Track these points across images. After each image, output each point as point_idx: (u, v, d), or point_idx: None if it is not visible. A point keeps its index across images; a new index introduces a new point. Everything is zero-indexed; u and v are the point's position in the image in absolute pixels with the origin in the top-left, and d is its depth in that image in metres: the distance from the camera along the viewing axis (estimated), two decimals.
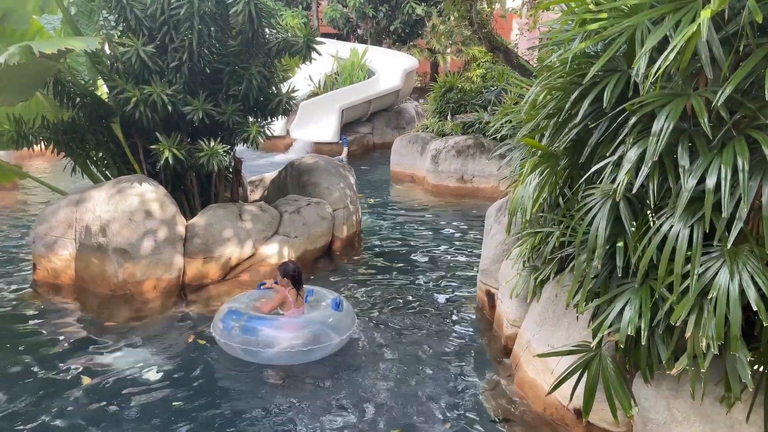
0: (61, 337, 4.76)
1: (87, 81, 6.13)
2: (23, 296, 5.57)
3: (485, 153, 10.20)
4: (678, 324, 2.55)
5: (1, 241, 7.23)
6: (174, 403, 3.85)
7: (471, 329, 5.08)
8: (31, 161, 12.42)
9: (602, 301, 3.01)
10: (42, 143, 5.85)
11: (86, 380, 4.10)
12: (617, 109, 2.85)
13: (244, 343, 4.25)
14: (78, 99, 5.87)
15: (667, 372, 2.78)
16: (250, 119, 6.26)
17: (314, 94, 15.39)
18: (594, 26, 2.83)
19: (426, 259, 6.83)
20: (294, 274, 4.60)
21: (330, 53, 15.69)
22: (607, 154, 2.91)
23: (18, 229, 7.80)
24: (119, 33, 5.72)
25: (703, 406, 2.80)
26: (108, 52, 5.59)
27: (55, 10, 5.78)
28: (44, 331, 4.86)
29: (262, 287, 4.82)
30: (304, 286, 4.74)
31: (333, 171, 7.37)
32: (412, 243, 7.46)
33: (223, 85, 5.99)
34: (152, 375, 4.20)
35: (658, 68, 2.42)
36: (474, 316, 5.33)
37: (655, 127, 2.53)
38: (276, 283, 4.74)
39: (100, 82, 6.34)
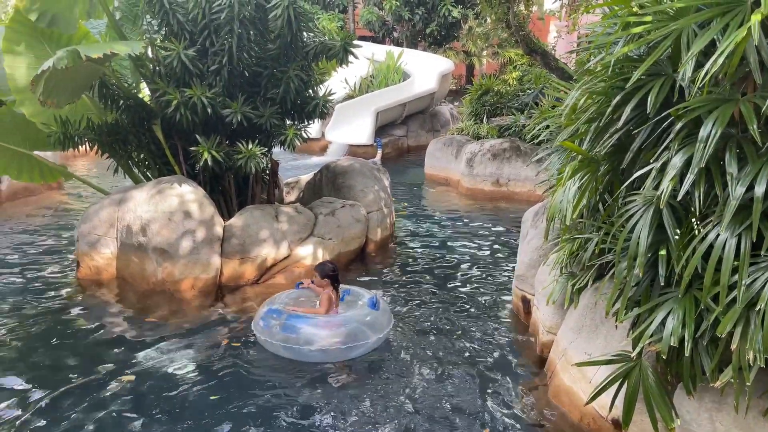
0: (102, 333, 4.88)
1: (130, 84, 6.28)
2: (67, 293, 5.74)
3: (521, 157, 10.10)
4: (723, 336, 2.47)
5: (46, 240, 7.46)
6: (211, 397, 3.92)
7: (506, 335, 5.02)
8: (75, 161, 12.80)
9: (643, 310, 2.94)
10: (87, 144, 6.02)
11: (123, 374, 4.20)
12: (661, 115, 2.79)
13: (284, 340, 4.36)
14: (121, 101, 6.02)
15: (711, 384, 2.71)
16: (288, 122, 6.33)
17: (350, 97, 15.46)
18: (638, 29, 2.78)
19: (460, 263, 6.79)
20: (333, 274, 4.67)
21: (366, 56, 15.76)
22: (651, 160, 2.84)
23: (63, 227, 8.03)
24: (162, 37, 5.85)
25: (747, 419, 2.72)
26: (151, 55, 5.71)
27: (101, 15, 5.94)
28: (86, 327, 4.99)
29: (300, 287, 4.95)
30: (340, 285, 4.80)
31: (368, 173, 7.39)
32: (446, 246, 7.43)
33: (262, 88, 6.07)
34: (188, 371, 4.28)
35: (706, 73, 2.36)
36: (509, 322, 5.27)
37: (702, 132, 2.47)
38: (312, 282, 4.81)
39: (143, 85, 6.49)
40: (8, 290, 5.77)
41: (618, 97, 2.97)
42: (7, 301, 5.50)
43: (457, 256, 7.05)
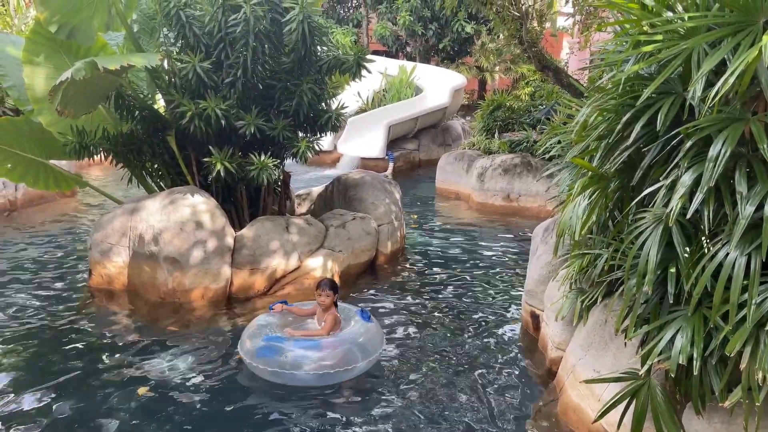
0: (111, 342, 4.92)
1: (146, 95, 6.37)
2: (79, 301, 5.79)
3: (532, 172, 10.09)
4: (733, 355, 2.46)
5: (59, 247, 7.55)
6: (226, 408, 3.93)
7: (514, 350, 5.01)
8: (90, 170, 12.96)
9: (652, 328, 2.93)
10: (102, 154, 6.11)
11: (132, 384, 4.22)
12: (671, 133, 2.80)
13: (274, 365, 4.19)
14: (137, 112, 6.11)
15: (720, 404, 2.69)
16: (300, 134, 6.38)
17: (362, 110, 15.56)
18: (648, 48, 2.79)
19: (469, 277, 6.79)
20: (336, 291, 4.61)
21: (379, 70, 15.87)
22: (660, 178, 2.85)
23: (76, 235, 8.12)
24: (178, 50, 5.94)
25: None
26: (167, 67, 5.80)
27: (119, 28, 6.05)
28: (96, 336, 5.04)
29: (272, 310, 4.70)
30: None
31: (379, 186, 7.42)
32: (456, 260, 7.43)
33: (275, 101, 6.14)
34: (196, 382, 4.29)
35: (716, 92, 2.37)
36: (518, 337, 5.26)
37: (712, 151, 2.47)
38: (289, 305, 4.73)
39: (158, 96, 6.59)
40: (21, 297, 5.83)
41: (628, 115, 2.98)
42: (20, 308, 5.56)
43: (466, 270, 7.05)
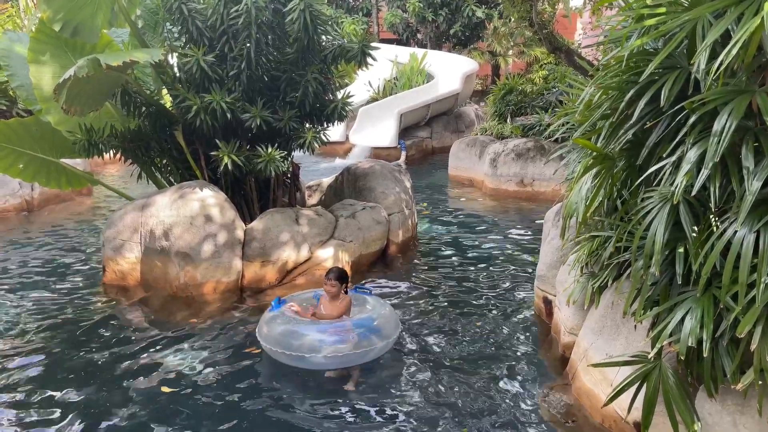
0: (126, 336, 4.96)
1: (152, 91, 6.38)
2: (93, 298, 5.84)
3: (546, 156, 9.97)
4: (743, 336, 2.39)
5: (75, 245, 7.63)
6: (228, 399, 3.94)
7: (528, 336, 4.95)
8: (105, 167, 13.09)
9: (661, 310, 2.86)
10: (111, 151, 6.13)
11: (148, 377, 4.25)
12: (675, 108, 2.71)
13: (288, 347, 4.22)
14: (144, 108, 6.12)
15: (732, 386, 2.62)
16: (307, 125, 6.35)
17: (373, 100, 15.48)
18: (652, 21, 2.71)
19: (482, 264, 6.73)
20: (346, 276, 4.60)
21: (389, 58, 15.78)
22: (664, 155, 2.77)
23: (91, 233, 8.20)
24: (182, 44, 5.93)
25: None
26: (171, 62, 5.80)
27: (123, 24, 6.05)
28: (111, 331, 5.08)
29: (275, 309, 4.57)
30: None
31: (388, 175, 7.37)
32: (469, 248, 7.37)
33: (280, 92, 6.11)
34: (211, 374, 4.31)
35: (720, 64, 2.29)
36: (531, 323, 5.20)
37: (717, 126, 2.39)
38: (281, 302, 4.66)
39: (164, 91, 6.59)
40: (36, 295, 5.90)
41: (632, 92, 2.90)
42: (36, 306, 5.62)
43: (479, 256, 6.98)
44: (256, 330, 4.54)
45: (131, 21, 5.81)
